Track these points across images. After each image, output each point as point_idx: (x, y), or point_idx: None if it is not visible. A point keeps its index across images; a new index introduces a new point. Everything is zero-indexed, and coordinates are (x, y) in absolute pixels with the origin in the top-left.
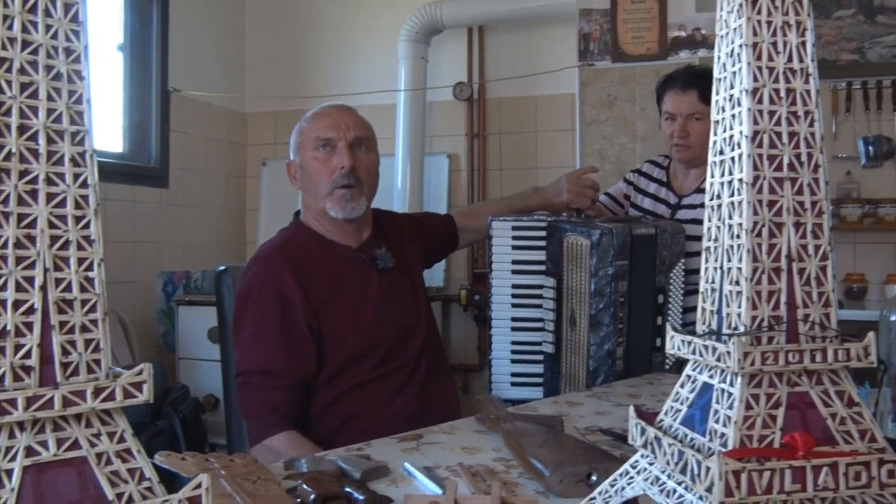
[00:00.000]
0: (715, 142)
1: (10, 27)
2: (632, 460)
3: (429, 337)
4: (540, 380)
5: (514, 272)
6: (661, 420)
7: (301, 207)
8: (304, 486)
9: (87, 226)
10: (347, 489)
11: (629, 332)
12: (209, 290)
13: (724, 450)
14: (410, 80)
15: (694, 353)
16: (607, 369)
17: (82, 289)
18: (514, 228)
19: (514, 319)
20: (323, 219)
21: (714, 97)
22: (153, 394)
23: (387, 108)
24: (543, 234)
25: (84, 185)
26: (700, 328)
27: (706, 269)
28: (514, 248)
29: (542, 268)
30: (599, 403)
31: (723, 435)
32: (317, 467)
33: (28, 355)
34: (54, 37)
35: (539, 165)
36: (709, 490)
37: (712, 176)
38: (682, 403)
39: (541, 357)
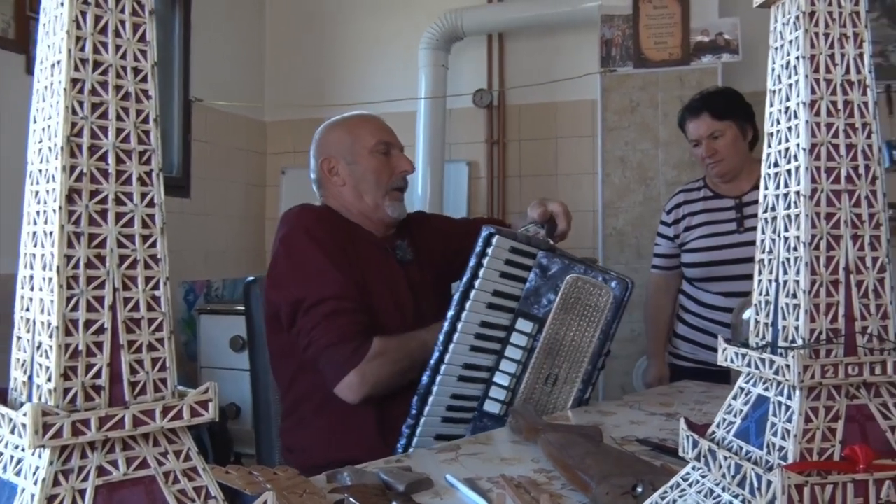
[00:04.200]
0: (769, 154)
1: (83, 48)
2: (683, 472)
3: None
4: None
5: (489, 306)
6: (714, 432)
7: (325, 202)
8: (352, 500)
9: (153, 244)
10: (394, 502)
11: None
12: (230, 299)
13: (784, 463)
14: (431, 87)
15: (749, 365)
16: None
17: (149, 308)
18: (511, 250)
19: (466, 366)
20: (354, 209)
21: (768, 109)
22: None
23: (407, 115)
24: (532, 261)
25: (151, 203)
26: (754, 340)
27: (759, 280)
28: (502, 275)
29: (514, 304)
30: (632, 413)
31: (782, 448)
32: (360, 480)
33: (98, 375)
34: (123, 57)
35: (559, 172)
36: None
37: (766, 188)
38: (735, 416)
39: (469, 416)
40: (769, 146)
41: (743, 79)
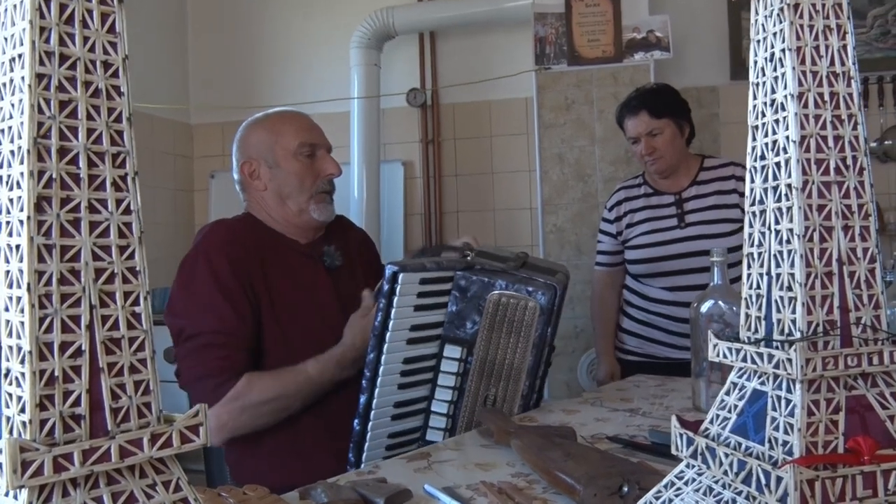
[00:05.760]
0: (754, 147)
1: (48, 40)
2: (676, 471)
3: None
4: None
5: (409, 342)
6: (707, 429)
7: (248, 206)
8: None
9: (131, 256)
10: None
11: None
12: (160, 309)
13: (789, 458)
14: (363, 87)
15: (744, 360)
16: None
17: (129, 325)
18: (422, 282)
19: (397, 405)
20: (277, 215)
21: (751, 101)
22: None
23: (340, 116)
24: (449, 285)
25: (127, 211)
26: (745, 334)
27: (749, 274)
28: (417, 308)
29: (438, 332)
30: (595, 410)
31: (786, 443)
32: (337, 496)
33: (77, 402)
34: (92, 49)
35: (495, 170)
36: (782, 501)
37: (752, 181)
38: (730, 411)
39: (413, 448)
40: (754, 139)
41: (674, 75)
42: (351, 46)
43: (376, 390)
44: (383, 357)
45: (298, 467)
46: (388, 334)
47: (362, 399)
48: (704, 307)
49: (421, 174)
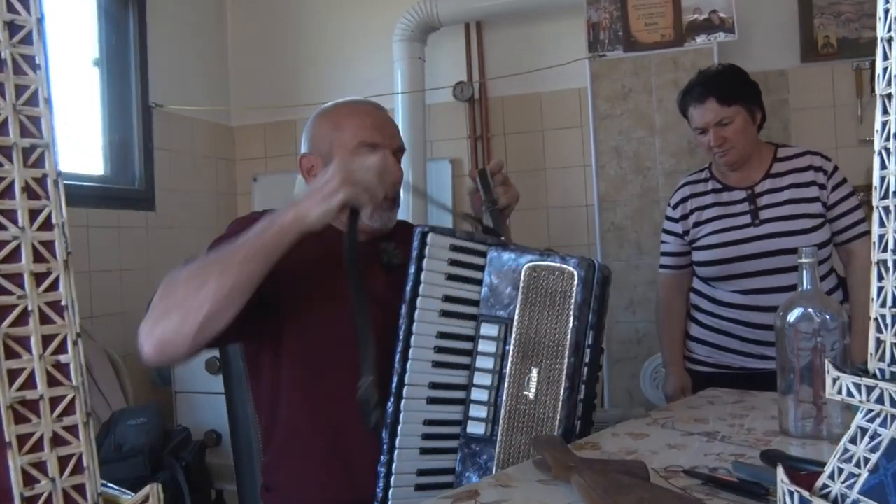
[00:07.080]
0: (885, 122)
1: None
2: None
3: None
4: (450, 478)
5: (442, 314)
6: (827, 487)
7: None
8: None
9: (53, 286)
10: None
11: (585, 402)
12: None
13: None
14: (408, 82)
15: (879, 400)
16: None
17: (51, 381)
18: (452, 248)
19: (433, 386)
20: None
21: (880, 63)
22: (152, 442)
23: None
24: (483, 260)
25: (47, 225)
26: (877, 366)
27: (881, 288)
28: (449, 277)
29: (473, 310)
30: (667, 433)
31: None
32: None
33: None
34: None
35: (548, 166)
36: None
37: (883, 167)
38: (858, 466)
39: (454, 444)
40: (885, 112)
41: (739, 59)
42: (394, 40)
43: (408, 364)
44: (415, 325)
45: (340, 480)
46: (418, 300)
47: (394, 378)
48: (792, 316)
49: (470, 172)
